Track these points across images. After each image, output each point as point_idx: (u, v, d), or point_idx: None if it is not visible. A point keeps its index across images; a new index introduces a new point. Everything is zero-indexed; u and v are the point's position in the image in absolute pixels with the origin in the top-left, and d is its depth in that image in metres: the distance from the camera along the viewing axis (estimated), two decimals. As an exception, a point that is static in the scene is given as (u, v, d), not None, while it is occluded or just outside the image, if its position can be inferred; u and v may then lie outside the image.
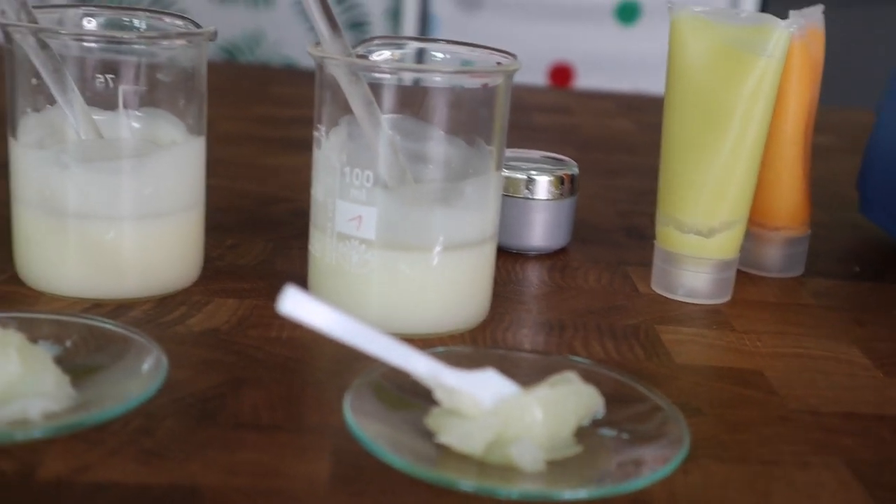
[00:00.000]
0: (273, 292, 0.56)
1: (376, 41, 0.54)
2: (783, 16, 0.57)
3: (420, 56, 0.54)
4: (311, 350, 0.50)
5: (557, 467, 0.40)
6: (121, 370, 0.43)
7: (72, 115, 0.52)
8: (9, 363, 0.41)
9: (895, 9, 2.04)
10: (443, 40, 0.54)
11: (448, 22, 2.02)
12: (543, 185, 0.64)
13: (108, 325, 0.46)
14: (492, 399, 0.40)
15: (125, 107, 0.53)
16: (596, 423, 0.42)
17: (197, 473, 0.38)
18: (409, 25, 2.08)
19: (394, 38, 0.54)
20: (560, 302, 0.58)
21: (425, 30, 2.06)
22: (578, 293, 0.60)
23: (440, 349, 0.44)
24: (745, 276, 0.63)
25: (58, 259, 0.53)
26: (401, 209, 0.50)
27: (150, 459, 0.39)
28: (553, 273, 0.62)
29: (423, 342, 0.51)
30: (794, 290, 0.63)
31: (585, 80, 2.06)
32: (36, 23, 0.51)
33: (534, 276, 0.62)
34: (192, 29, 0.55)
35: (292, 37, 2.16)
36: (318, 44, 0.51)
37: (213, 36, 0.53)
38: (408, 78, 0.50)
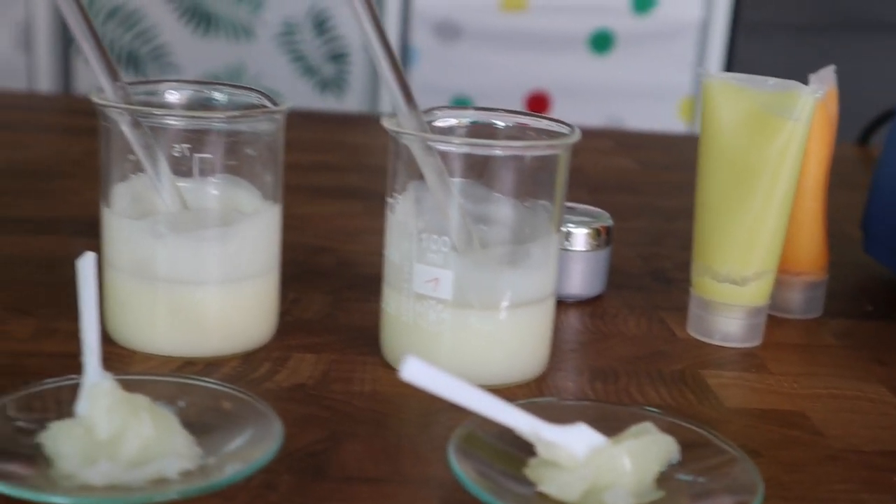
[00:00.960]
0: (344, 346, 0.60)
1: (439, 111, 0.58)
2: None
3: (480, 126, 0.58)
4: (395, 403, 0.54)
5: (645, 511, 0.44)
6: (238, 428, 0.47)
7: (161, 186, 0.56)
8: (143, 426, 0.45)
9: (875, 41, 2.12)
10: (502, 109, 0.58)
11: (426, 53, 2.07)
12: (581, 238, 0.69)
13: (215, 385, 0.50)
14: (585, 451, 0.45)
15: (205, 175, 0.57)
16: (672, 469, 0.47)
17: (325, 525, 0.42)
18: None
19: (456, 109, 0.59)
20: (607, 349, 0.63)
21: (405, 61, 2.10)
22: (622, 340, 0.64)
23: (523, 401, 0.49)
24: (770, 319, 0.68)
25: (149, 320, 0.57)
26: (474, 272, 0.54)
27: (281, 513, 0.43)
28: (595, 320, 0.67)
29: (491, 392, 0.55)
30: (817, 332, 0.68)
31: (561, 108, 2.12)
32: (131, 102, 0.55)
33: (577, 323, 0.66)
34: (269, 103, 0.59)
35: (273, 69, 2.19)
36: (392, 115, 0.55)
37: (289, 111, 0.57)
38: (476, 150, 0.54)
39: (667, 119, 2.13)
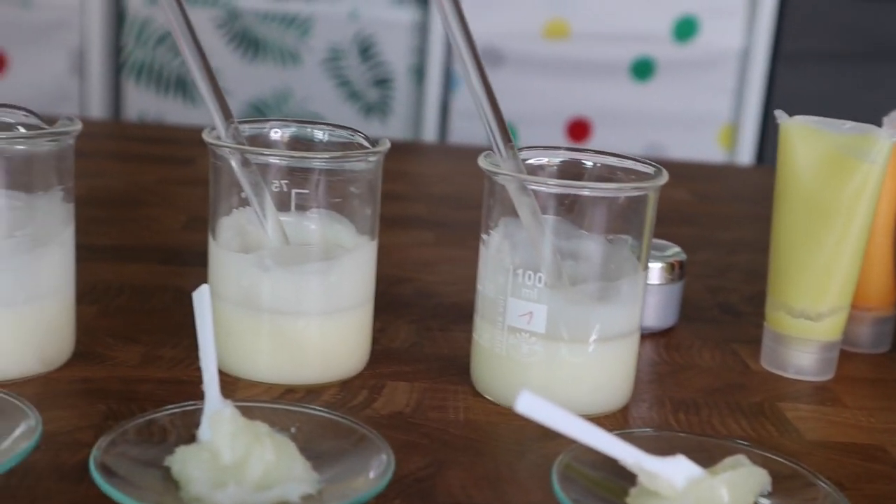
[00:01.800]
0: (434, 375, 0.62)
1: (530, 151, 0.61)
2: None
3: (571, 165, 0.61)
4: (488, 432, 0.56)
5: (742, 540, 0.46)
6: (349, 454, 0.50)
7: (266, 221, 0.59)
8: (265, 452, 0.47)
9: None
10: (591, 150, 0.61)
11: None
12: (657, 272, 0.71)
13: (323, 413, 0.52)
14: (684, 481, 0.47)
15: (304, 210, 0.60)
16: (764, 501, 0.49)
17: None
18: (434, 83, 2.15)
19: (546, 148, 0.61)
20: (685, 381, 0.65)
21: (448, 87, 2.13)
22: (698, 372, 0.66)
23: (618, 432, 0.51)
24: (840, 353, 0.70)
25: (253, 349, 0.59)
26: (566, 306, 0.57)
27: (398, 537, 0.46)
28: (670, 352, 0.69)
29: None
30: (886, 366, 0.70)
31: (601, 135, 2.14)
32: (242, 141, 0.58)
33: (654, 354, 0.69)
34: (366, 143, 0.61)
35: (319, 94, 2.22)
36: (488, 154, 0.58)
37: (386, 150, 0.60)
38: (568, 188, 0.57)
39: (706, 147, 2.15)
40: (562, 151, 0.61)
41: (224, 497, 0.45)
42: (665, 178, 0.58)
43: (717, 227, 1.04)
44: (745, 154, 2.13)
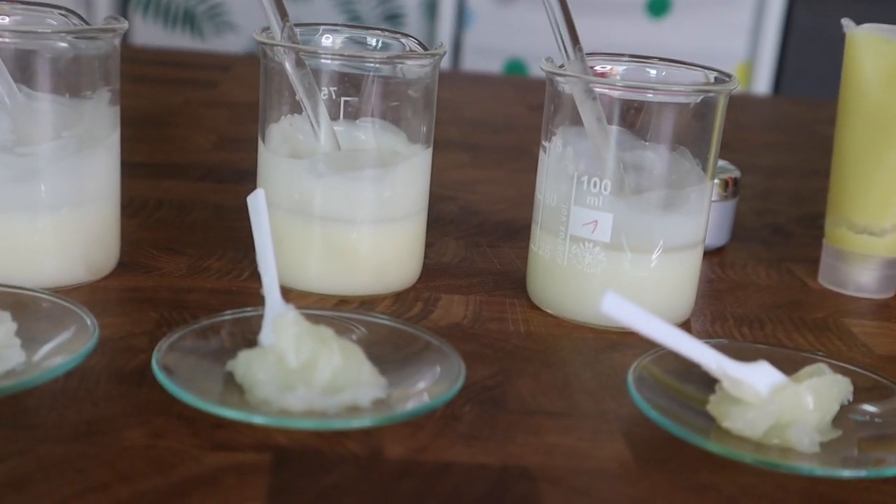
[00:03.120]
0: (489, 288, 0.61)
1: (593, 57, 0.59)
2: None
3: (638, 72, 0.59)
4: (550, 343, 0.54)
5: (827, 448, 0.45)
6: (417, 361, 0.48)
7: (318, 127, 0.57)
8: (333, 355, 0.46)
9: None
10: (656, 57, 0.59)
11: (482, 15, 2.07)
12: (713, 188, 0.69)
13: (385, 321, 0.51)
14: (768, 388, 0.45)
15: (354, 117, 0.57)
16: (845, 409, 0.47)
17: (518, 455, 0.43)
18: (446, 19, 2.12)
19: (610, 55, 0.59)
20: (744, 297, 0.63)
21: (461, 23, 2.10)
22: (756, 289, 0.65)
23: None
24: None
25: (304, 258, 0.57)
26: (632, 215, 0.55)
27: (472, 442, 0.44)
28: (725, 270, 0.67)
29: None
30: (945, 285, 0.68)
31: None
32: (297, 42, 0.56)
33: (709, 272, 0.67)
34: (419, 48, 0.59)
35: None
36: (548, 59, 0.56)
37: (443, 54, 0.58)
38: (635, 94, 0.55)
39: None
40: (626, 59, 0.59)
41: (294, 400, 0.43)
42: (736, 83, 0.56)
43: (753, 154, 1.02)
44: (761, 92, 2.10)
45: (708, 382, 0.47)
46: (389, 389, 0.46)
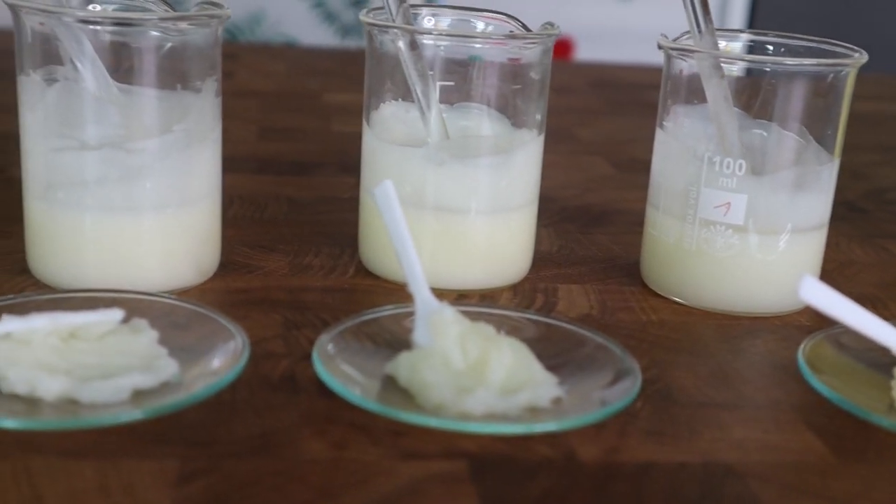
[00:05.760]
0: (601, 276, 0.59)
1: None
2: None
3: (752, 49, 0.57)
4: (688, 331, 0.52)
5: None
6: (580, 357, 0.46)
7: (429, 113, 0.54)
8: (503, 354, 0.43)
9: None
10: (774, 33, 0.57)
11: (450, -2, 2.04)
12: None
13: (530, 316, 0.49)
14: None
15: (463, 102, 0.55)
16: None
17: (712, 451, 0.41)
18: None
19: (725, 30, 0.57)
20: (853, 276, 0.62)
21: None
22: (862, 267, 0.63)
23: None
24: None
25: (417, 249, 0.55)
26: (765, 196, 0.53)
27: (661, 439, 0.42)
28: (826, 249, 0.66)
29: (778, 320, 0.54)
30: None
31: (585, 54, 2.10)
32: (412, 24, 0.53)
33: (806, 252, 0.65)
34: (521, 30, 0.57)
35: (293, 16, 2.15)
36: (664, 37, 0.54)
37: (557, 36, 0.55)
38: (765, 71, 0.53)
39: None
40: (744, 34, 0.57)
41: (474, 403, 0.41)
42: (865, 57, 0.54)
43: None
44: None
45: (883, 366, 0.45)
46: (562, 387, 0.43)
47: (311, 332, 0.49)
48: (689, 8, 0.52)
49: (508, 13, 0.58)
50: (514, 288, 0.56)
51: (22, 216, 0.53)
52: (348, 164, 0.77)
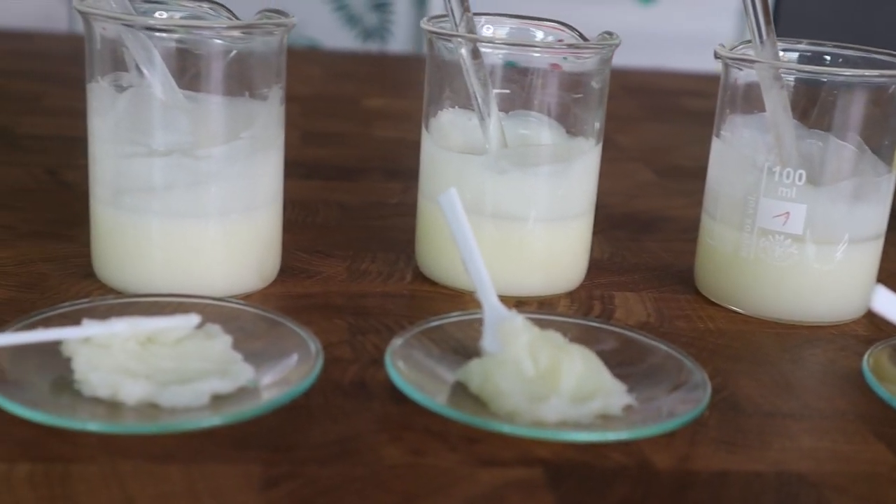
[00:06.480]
0: (655, 284, 0.59)
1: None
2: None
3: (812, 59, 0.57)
4: (747, 340, 0.53)
5: None
6: (648, 367, 0.46)
7: (488, 121, 0.54)
8: (574, 362, 0.44)
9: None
10: (830, 43, 0.57)
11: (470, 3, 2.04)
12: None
13: (592, 323, 0.49)
14: None
15: (523, 110, 0.55)
16: None
17: (784, 461, 0.42)
18: (436, 6, 2.09)
19: (785, 40, 0.57)
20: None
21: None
22: (911, 275, 0.64)
23: None
24: None
25: (477, 259, 0.55)
26: (824, 206, 0.53)
27: (732, 448, 0.42)
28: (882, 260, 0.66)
29: (835, 329, 0.55)
30: None
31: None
32: (474, 32, 0.54)
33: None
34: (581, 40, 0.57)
35: (315, 18, 2.15)
36: (721, 46, 0.54)
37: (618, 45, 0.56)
38: (822, 81, 0.53)
39: (710, 68, 2.12)
40: (801, 44, 0.57)
41: (548, 411, 0.41)
42: (924, 67, 0.54)
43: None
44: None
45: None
46: (630, 396, 0.44)
47: (375, 338, 0.49)
48: (752, 17, 0.52)
49: (565, 22, 0.58)
50: (571, 295, 0.57)
51: (81, 219, 0.53)
52: (393, 169, 0.78)
